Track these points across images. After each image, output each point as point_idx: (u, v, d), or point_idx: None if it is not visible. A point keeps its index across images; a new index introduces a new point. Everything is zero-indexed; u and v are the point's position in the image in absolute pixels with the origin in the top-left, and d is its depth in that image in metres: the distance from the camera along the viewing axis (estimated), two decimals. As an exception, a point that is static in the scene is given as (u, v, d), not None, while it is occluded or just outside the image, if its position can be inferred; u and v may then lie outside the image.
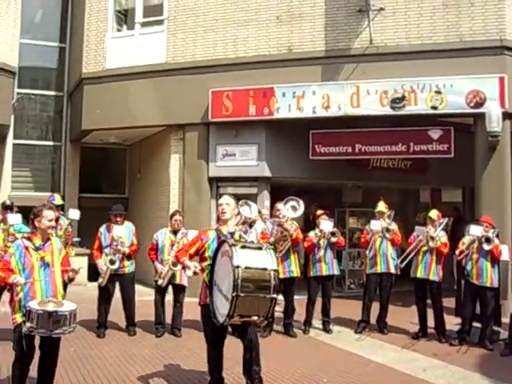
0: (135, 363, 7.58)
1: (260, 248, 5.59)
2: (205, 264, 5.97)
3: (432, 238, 9.14)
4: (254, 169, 13.06)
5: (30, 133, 16.86)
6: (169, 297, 9.59)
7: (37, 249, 5.72)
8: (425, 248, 9.28)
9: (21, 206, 9.32)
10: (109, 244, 9.18)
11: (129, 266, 9.31)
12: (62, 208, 9.40)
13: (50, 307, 5.26)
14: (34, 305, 5.28)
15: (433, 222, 9.37)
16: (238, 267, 5.13)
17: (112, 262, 8.98)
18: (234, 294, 5.08)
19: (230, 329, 6.03)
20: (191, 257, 6.11)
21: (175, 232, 9.41)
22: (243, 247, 5.42)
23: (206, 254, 5.99)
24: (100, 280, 9.19)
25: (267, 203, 12.13)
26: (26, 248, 5.71)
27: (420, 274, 9.33)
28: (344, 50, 12.46)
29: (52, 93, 17.15)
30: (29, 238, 5.84)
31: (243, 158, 13.10)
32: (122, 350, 8.23)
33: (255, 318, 5.33)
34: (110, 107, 14.23)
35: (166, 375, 7.07)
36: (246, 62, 13.00)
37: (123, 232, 9.21)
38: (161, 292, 9.43)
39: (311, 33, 12.70)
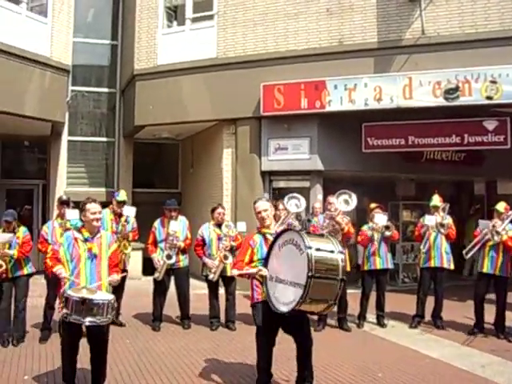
0: (191, 356, 7.67)
1: (322, 235, 6.04)
2: (253, 265, 6.02)
3: (497, 233, 8.68)
4: (307, 162, 13.02)
5: (83, 129, 17.13)
6: (220, 290, 9.65)
7: (85, 240, 5.90)
8: (491, 242, 8.85)
9: (76, 202, 9.49)
10: (164, 239, 9.30)
11: (183, 260, 9.43)
12: (123, 204, 9.53)
13: (83, 293, 5.40)
14: (70, 291, 5.46)
15: (500, 214, 8.89)
16: (310, 248, 5.22)
17: (169, 257, 9.12)
18: (310, 274, 5.11)
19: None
20: (247, 265, 6.12)
21: (219, 225, 9.48)
22: (308, 233, 5.65)
23: (255, 258, 6.06)
24: (156, 274, 9.31)
25: (320, 197, 12.09)
26: (75, 239, 5.90)
27: (486, 269, 8.91)
28: (396, 41, 12.29)
29: (105, 90, 17.38)
30: (79, 230, 6.03)
31: (295, 152, 13.09)
32: (177, 343, 8.35)
33: (324, 304, 5.40)
34: (162, 103, 14.40)
35: (222, 369, 7.12)
36: (297, 56, 12.97)
37: (178, 226, 9.33)
38: (213, 286, 9.49)
39: (362, 24, 12.57)
